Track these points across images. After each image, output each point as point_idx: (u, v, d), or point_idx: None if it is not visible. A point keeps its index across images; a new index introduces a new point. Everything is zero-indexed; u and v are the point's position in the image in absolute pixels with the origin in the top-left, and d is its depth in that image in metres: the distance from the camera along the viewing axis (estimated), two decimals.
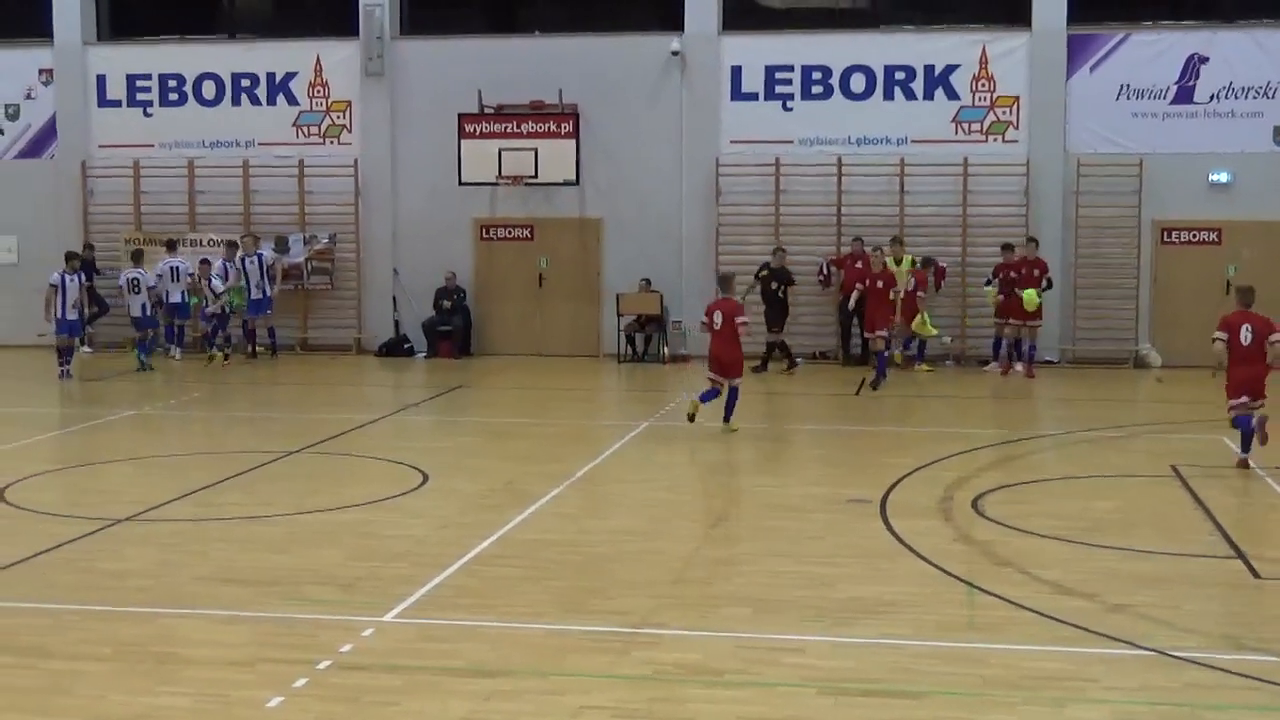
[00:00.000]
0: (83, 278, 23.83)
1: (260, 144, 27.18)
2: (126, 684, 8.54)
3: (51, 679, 8.63)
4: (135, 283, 24.82)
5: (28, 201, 27.65)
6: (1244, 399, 15.13)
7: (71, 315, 23.16)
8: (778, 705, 8.13)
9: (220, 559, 11.57)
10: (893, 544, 11.97)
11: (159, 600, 10.30)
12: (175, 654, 9.09)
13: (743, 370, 18.12)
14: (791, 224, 25.63)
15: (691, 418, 17.64)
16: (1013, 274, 23.60)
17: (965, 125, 25.28)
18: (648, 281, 25.73)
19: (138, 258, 25.42)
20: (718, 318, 17.95)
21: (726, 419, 17.65)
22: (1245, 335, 15.16)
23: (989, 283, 23.94)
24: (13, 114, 27.96)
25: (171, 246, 26.15)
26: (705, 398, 17.76)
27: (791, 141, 25.72)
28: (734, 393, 17.70)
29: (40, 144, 27.96)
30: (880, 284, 22.41)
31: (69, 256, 23.78)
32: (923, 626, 9.61)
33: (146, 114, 27.54)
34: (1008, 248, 23.80)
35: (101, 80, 27.66)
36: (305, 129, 27.15)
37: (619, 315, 25.81)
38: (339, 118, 27.05)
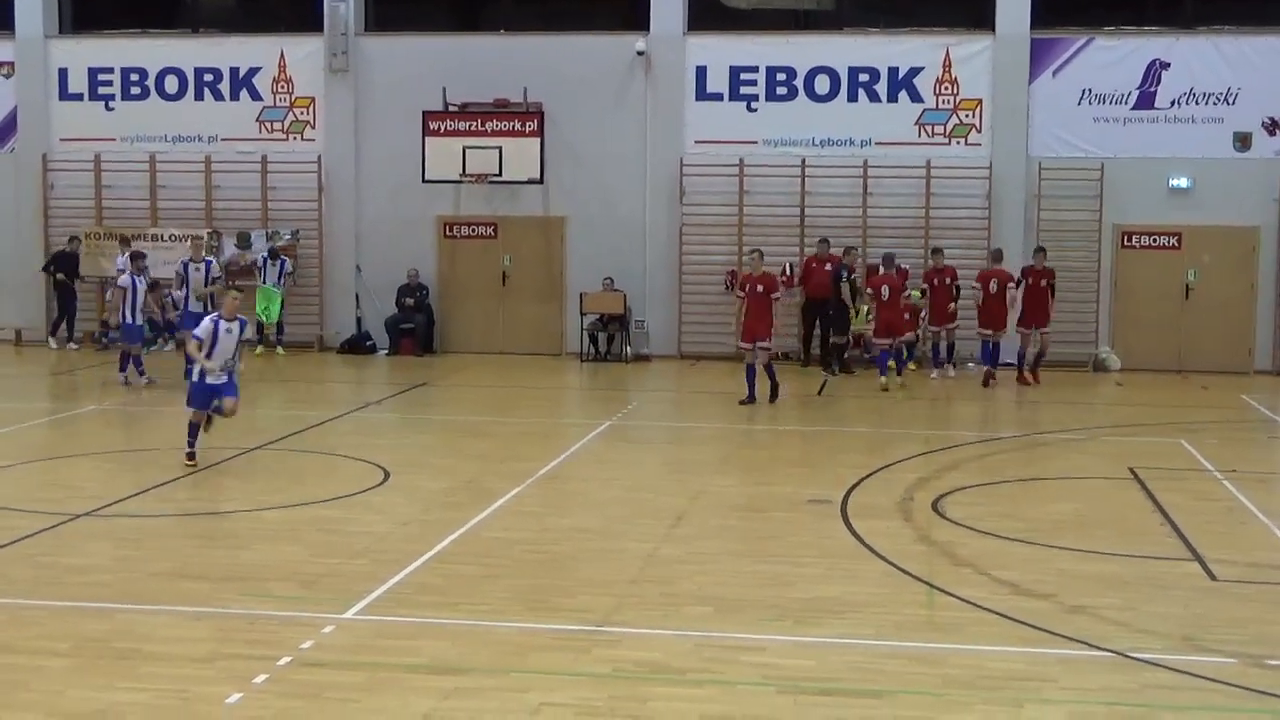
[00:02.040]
0: (148, 279, 22.57)
1: (223, 139, 27.09)
2: (85, 679, 8.49)
3: (10, 674, 8.58)
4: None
5: None
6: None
7: (139, 319, 21.84)
8: (739, 704, 8.16)
9: (180, 555, 11.52)
10: (853, 544, 12.02)
11: (119, 596, 10.25)
12: (135, 650, 9.05)
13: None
14: (756, 224, 25.69)
15: (886, 388, 21.29)
16: (948, 280, 23.60)
17: (929, 128, 25.40)
18: (610, 281, 25.74)
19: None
20: (885, 291, 21.63)
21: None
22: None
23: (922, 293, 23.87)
24: None
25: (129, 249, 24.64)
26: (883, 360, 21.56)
27: (756, 142, 25.79)
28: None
29: (0, 137, 27.75)
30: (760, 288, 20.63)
31: (134, 256, 22.44)
32: (883, 626, 9.65)
33: (108, 108, 27.41)
34: (937, 252, 23.88)
35: (63, 74, 27.50)
36: (269, 125, 27.06)
37: (582, 314, 25.81)
38: (303, 114, 26.97)
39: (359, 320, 26.87)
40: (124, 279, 21.93)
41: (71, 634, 9.37)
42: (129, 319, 21.59)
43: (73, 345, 26.46)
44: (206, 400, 15.29)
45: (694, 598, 10.35)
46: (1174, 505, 13.61)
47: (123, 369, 21.73)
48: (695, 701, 8.17)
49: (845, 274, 23.64)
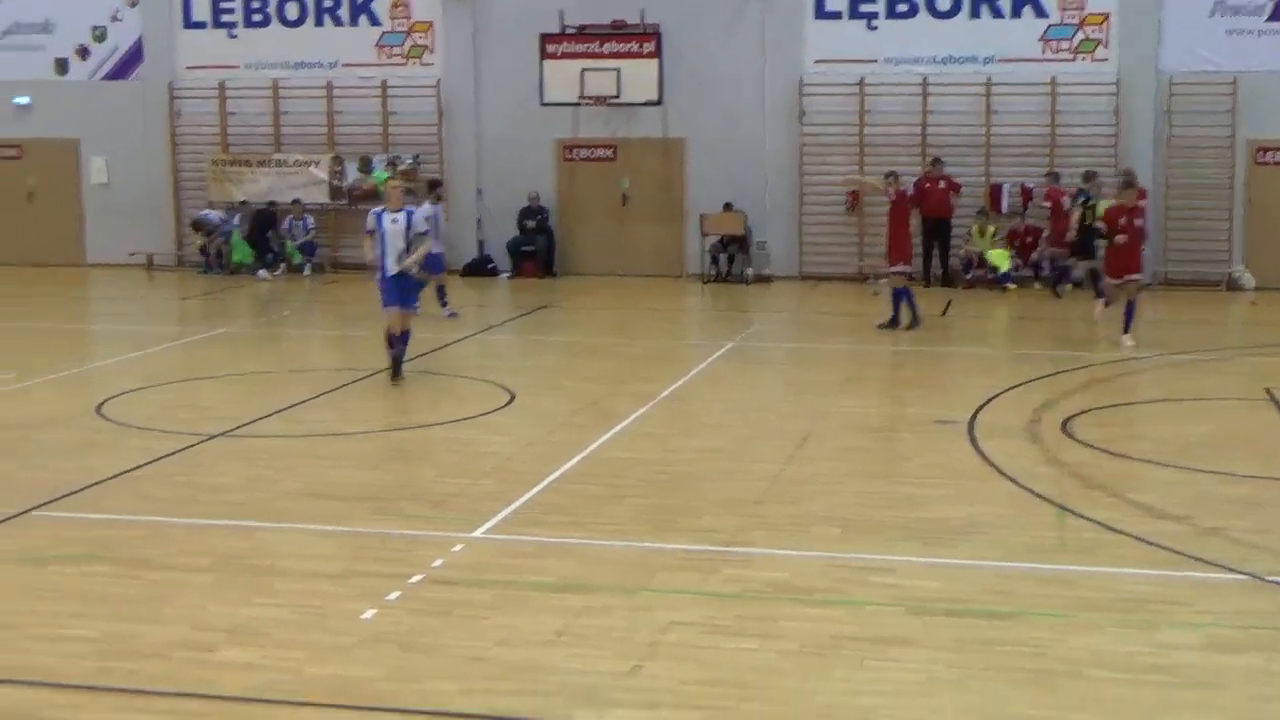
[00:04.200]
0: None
1: (344, 65, 27.23)
2: (225, 595, 8.70)
3: (154, 589, 8.81)
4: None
5: (116, 123, 27.87)
6: None
7: (439, 248, 20.65)
8: (867, 624, 8.15)
9: (312, 475, 11.72)
10: (981, 465, 11.91)
11: (253, 514, 10.46)
12: (271, 566, 9.25)
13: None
14: (876, 145, 25.34)
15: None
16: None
17: (1054, 44, 24.85)
18: (729, 204, 25.62)
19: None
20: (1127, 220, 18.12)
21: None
22: None
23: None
24: (100, 36, 28.13)
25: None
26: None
27: (876, 61, 25.40)
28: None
29: (127, 66, 28.14)
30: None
31: (433, 184, 21.74)
32: (1012, 548, 9.57)
33: (231, 35, 27.65)
34: (1129, 186, 19.11)
35: (187, 2, 27.74)
36: (388, 50, 27.16)
37: (703, 235, 25.73)
38: (421, 38, 27.02)
39: (480, 243, 27.00)
40: (424, 208, 21.17)
41: (210, 551, 9.59)
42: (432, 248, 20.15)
43: (268, 274, 26.45)
44: (396, 294, 15.46)
45: (821, 518, 10.33)
46: None
47: (444, 301, 20.96)
48: (824, 622, 8.17)
49: (1085, 198, 22.30)
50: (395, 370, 15.59)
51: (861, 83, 25.32)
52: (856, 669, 7.49)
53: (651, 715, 6.95)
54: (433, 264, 20.48)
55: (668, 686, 7.27)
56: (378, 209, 15.76)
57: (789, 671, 7.47)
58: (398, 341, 15.58)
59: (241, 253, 26.74)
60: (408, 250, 15.50)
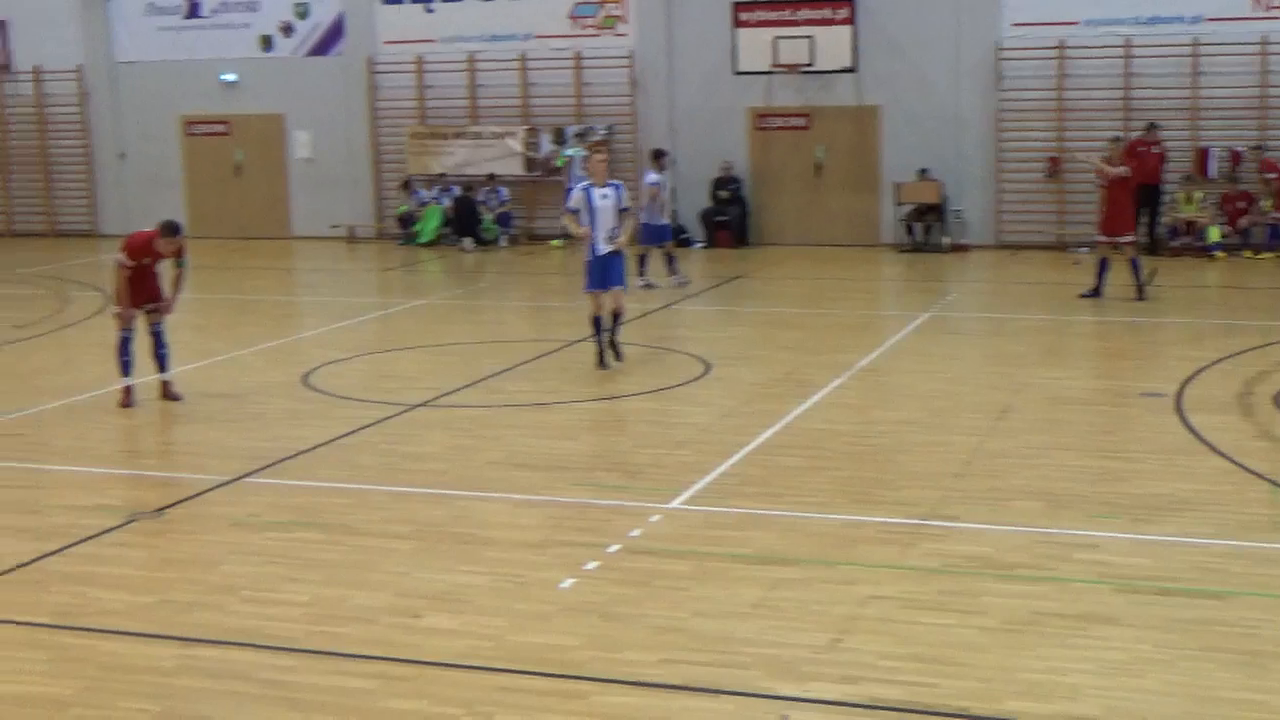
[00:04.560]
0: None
1: (537, 37, 27.45)
2: (428, 562, 8.87)
3: (360, 555, 9.03)
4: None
5: (318, 98, 28.56)
6: None
7: (664, 218, 21.12)
8: (1073, 601, 7.98)
9: (511, 444, 11.87)
10: (1190, 440, 11.57)
11: (455, 483, 10.65)
12: (472, 535, 9.40)
13: None
14: (1077, 109, 24.75)
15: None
16: None
17: (1266, 0, 23.95)
18: (924, 171, 25.26)
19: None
20: None
21: None
22: None
23: None
24: (302, 12, 28.80)
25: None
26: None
27: (1076, 23, 24.75)
28: None
29: (328, 42, 28.74)
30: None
31: (657, 154, 21.59)
32: (1225, 525, 9.28)
33: (428, 10, 28.05)
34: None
35: None
36: (581, 21, 27.31)
37: (897, 204, 25.42)
38: (614, 9, 27.11)
39: (674, 213, 26.99)
40: (651, 177, 21.07)
41: (413, 519, 9.79)
42: (654, 218, 20.85)
43: (473, 244, 26.88)
44: (601, 276, 14.75)
45: (1023, 492, 10.15)
46: None
47: (673, 271, 21.08)
48: (1028, 598, 8.03)
49: None
50: (615, 353, 14.85)
51: (1061, 45, 24.72)
52: (1060, 646, 7.34)
53: (851, 690, 6.91)
54: (660, 233, 20.63)
55: (867, 661, 7.22)
56: (583, 183, 15.04)
57: (990, 648, 7.35)
58: (611, 322, 14.85)
59: (435, 224, 27.04)
60: (618, 227, 14.87)
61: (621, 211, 14.86)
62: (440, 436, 12.22)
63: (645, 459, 11.29)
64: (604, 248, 14.73)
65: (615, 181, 15.13)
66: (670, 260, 21.25)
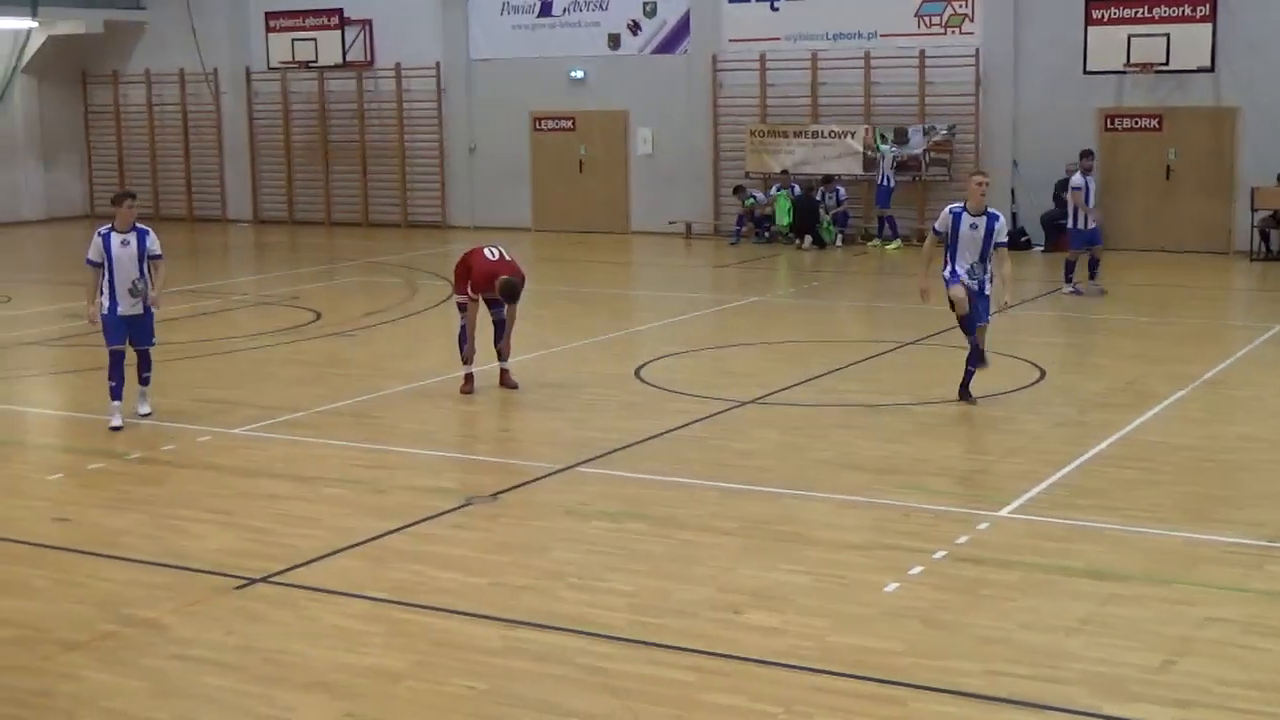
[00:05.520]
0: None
1: (881, 35, 27.24)
2: (752, 559, 8.94)
3: (686, 549, 9.17)
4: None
5: (662, 95, 29.01)
6: None
7: (1093, 221, 20.25)
8: None
9: (840, 444, 11.85)
10: None
11: (782, 481, 10.68)
12: (797, 534, 9.42)
13: None
14: None
15: None
16: None
17: None
18: None
19: None
20: None
21: None
22: None
23: None
24: (651, 11, 29.30)
25: None
26: None
27: None
28: None
29: (674, 39, 29.15)
30: None
31: (1084, 154, 20.90)
32: None
33: (774, 8, 28.16)
34: None
35: None
36: (927, 19, 26.96)
37: (1253, 210, 24.26)
38: (961, 7, 26.68)
39: (1014, 215, 26.46)
40: (1075, 178, 20.58)
41: (738, 515, 9.87)
42: (1080, 221, 20.20)
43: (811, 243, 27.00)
44: (967, 316, 12.91)
45: None
46: None
47: (1094, 275, 20.37)
48: None
49: None
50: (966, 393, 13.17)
51: None
52: None
53: (1182, 714, 6.65)
54: (1089, 237, 20.18)
55: (1202, 685, 6.94)
56: (954, 206, 13.06)
57: None
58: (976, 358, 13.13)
59: (787, 206, 26.99)
60: (982, 261, 12.91)
61: (995, 246, 12.98)
62: (769, 434, 12.27)
63: (975, 465, 11.12)
64: (967, 280, 12.89)
65: (994, 211, 13.05)
66: (1094, 265, 20.44)
